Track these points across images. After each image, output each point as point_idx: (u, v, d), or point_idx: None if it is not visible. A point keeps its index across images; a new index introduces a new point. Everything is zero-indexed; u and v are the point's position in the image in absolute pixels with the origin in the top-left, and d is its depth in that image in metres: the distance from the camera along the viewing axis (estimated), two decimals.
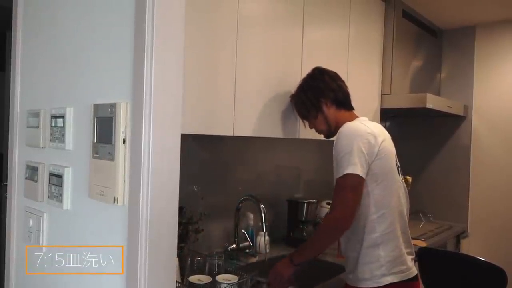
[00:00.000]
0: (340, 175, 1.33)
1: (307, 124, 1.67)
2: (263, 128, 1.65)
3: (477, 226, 2.88)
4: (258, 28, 1.60)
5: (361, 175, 1.31)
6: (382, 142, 1.38)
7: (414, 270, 1.42)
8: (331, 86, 1.54)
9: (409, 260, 1.41)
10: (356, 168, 1.31)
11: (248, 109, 1.56)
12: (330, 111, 1.53)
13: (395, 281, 1.34)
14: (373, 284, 1.35)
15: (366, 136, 1.36)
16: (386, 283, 1.34)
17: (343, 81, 1.59)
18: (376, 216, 1.35)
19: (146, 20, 0.89)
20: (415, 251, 1.96)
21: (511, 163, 2.77)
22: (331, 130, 1.56)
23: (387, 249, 1.35)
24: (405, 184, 1.51)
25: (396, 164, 1.46)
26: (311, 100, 1.56)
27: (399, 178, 1.45)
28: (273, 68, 1.68)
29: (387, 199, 1.38)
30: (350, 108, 1.56)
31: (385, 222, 1.36)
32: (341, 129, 1.42)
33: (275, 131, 1.71)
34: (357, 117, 1.53)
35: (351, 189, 1.32)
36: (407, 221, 1.46)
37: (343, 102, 1.54)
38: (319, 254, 1.53)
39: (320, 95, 1.54)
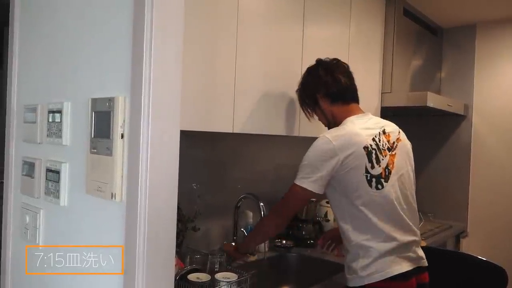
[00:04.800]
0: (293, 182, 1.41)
1: (315, 117, 1.66)
2: (262, 125, 1.64)
3: (477, 225, 2.87)
4: (258, 24, 1.58)
5: (308, 188, 1.37)
6: (345, 157, 1.35)
7: (397, 269, 1.36)
8: (323, 80, 1.52)
9: (393, 261, 1.37)
10: (306, 181, 1.37)
11: (247, 106, 1.55)
12: (325, 105, 1.54)
13: (370, 282, 1.34)
14: (354, 283, 1.38)
15: (327, 152, 1.37)
16: (363, 284, 1.35)
17: (343, 72, 1.54)
18: (351, 227, 1.39)
19: (145, 13, 0.87)
20: None
21: (511, 162, 2.76)
22: (330, 123, 1.56)
23: (366, 255, 1.36)
24: (396, 189, 1.43)
25: (369, 176, 1.37)
26: (308, 95, 1.58)
27: (369, 189, 1.37)
28: (273, 64, 1.66)
29: (363, 212, 1.37)
30: (348, 100, 1.52)
31: (368, 234, 1.37)
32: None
33: (275, 128, 1.70)
34: (357, 111, 1.50)
35: (291, 199, 1.45)
36: (392, 229, 1.39)
37: (338, 95, 1.52)
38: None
39: (314, 90, 1.54)
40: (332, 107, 1.52)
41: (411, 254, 1.43)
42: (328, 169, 1.36)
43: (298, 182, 1.39)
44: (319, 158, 1.38)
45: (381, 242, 1.37)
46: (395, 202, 1.41)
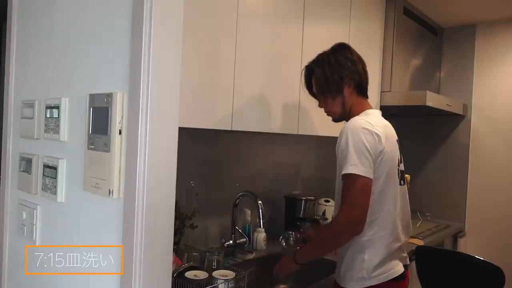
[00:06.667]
0: (343, 174, 1.27)
1: (320, 101, 1.50)
2: (261, 123, 1.63)
3: (474, 225, 2.88)
4: (258, 22, 1.58)
5: (367, 176, 1.25)
6: (386, 144, 1.30)
7: (398, 270, 1.36)
8: (358, 69, 1.40)
9: (394, 262, 1.36)
10: (362, 168, 1.24)
11: (247, 103, 1.54)
12: (350, 95, 1.41)
13: (374, 283, 1.32)
14: (353, 285, 1.34)
15: (371, 136, 1.28)
16: (365, 286, 1.32)
17: (366, 64, 1.46)
18: (367, 220, 1.29)
19: (144, 9, 0.87)
20: (412, 250, 1.98)
21: (510, 163, 2.77)
22: (344, 115, 1.44)
23: (372, 254, 1.32)
24: (407, 189, 1.45)
25: (398, 170, 1.39)
26: (335, 79, 1.39)
27: (397, 183, 1.37)
28: (272, 62, 1.66)
29: (381, 205, 1.32)
30: (367, 95, 1.46)
31: (375, 227, 1.32)
32: (345, 127, 1.33)
33: (274, 126, 1.70)
34: (370, 107, 1.45)
35: (358, 189, 1.25)
36: (400, 228, 1.38)
37: (364, 89, 1.43)
38: (323, 255, 1.49)
39: (345, 76, 1.39)
40: (356, 100, 1.42)
41: (403, 254, 1.43)
42: (375, 153, 1.27)
43: (353, 170, 1.24)
44: (366, 140, 1.26)
45: (392, 242, 1.35)
46: (408, 201, 1.43)
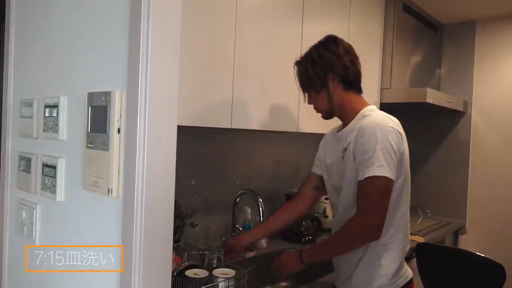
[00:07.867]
0: (368, 176, 1.19)
1: (306, 97, 1.43)
2: (261, 121, 1.63)
3: (475, 222, 2.87)
4: (257, 20, 1.57)
5: (392, 177, 1.18)
6: (405, 144, 1.26)
7: (410, 272, 1.34)
8: (343, 61, 1.31)
9: (407, 265, 1.34)
10: (388, 169, 1.18)
11: (246, 101, 1.54)
12: (336, 91, 1.33)
13: None
14: None
15: (396, 135, 1.22)
16: None
17: (357, 57, 1.36)
18: (386, 222, 1.22)
19: (142, 7, 0.86)
20: (413, 247, 1.98)
21: (510, 159, 2.76)
22: (332, 112, 1.37)
23: (389, 259, 1.26)
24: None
25: (410, 168, 1.34)
26: (317, 73, 1.33)
27: (410, 183, 1.33)
28: (272, 60, 1.65)
29: (398, 206, 1.27)
30: (359, 90, 1.37)
31: (391, 230, 1.26)
32: (368, 124, 1.24)
33: (273, 124, 1.69)
34: (366, 103, 1.37)
35: (382, 193, 1.18)
36: (409, 229, 1.36)
37: (353, 82, 1.34)
38: (333, 257, 1.40)
39: (329, 70, 1.31)
40: (345, 95, 1.33)
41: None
42: (399, 152, 1.22)
43: (378, 172, 1.17)
44: (393, 140, 1.20)
45: (407, 245, 1.31)
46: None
